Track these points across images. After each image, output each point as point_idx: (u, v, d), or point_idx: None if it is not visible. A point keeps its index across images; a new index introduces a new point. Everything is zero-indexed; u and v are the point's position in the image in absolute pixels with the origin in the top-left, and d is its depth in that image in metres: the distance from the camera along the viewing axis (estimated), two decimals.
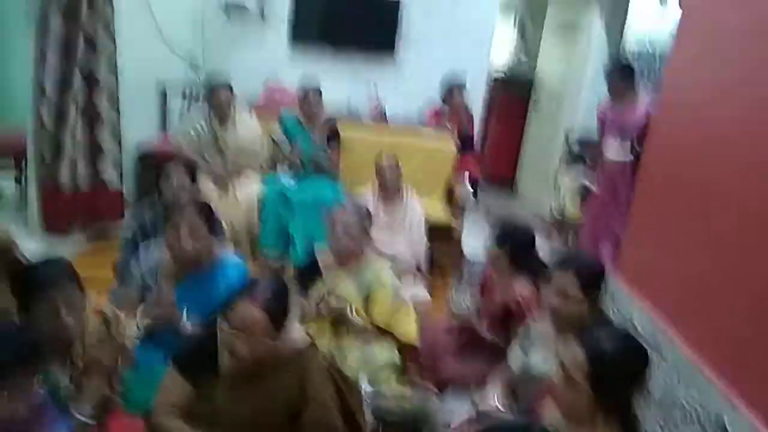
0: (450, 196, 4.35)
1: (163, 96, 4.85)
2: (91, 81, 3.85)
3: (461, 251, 4.20)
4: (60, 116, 3.75)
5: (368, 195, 3.77)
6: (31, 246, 3.45)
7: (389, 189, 3.75)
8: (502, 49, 6.99)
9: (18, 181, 4.52)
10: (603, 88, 4.09)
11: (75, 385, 1.81)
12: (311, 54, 5.13)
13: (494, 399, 2.10)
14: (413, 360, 2.68)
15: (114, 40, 3.91)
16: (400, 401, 2.34)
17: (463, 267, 4.20)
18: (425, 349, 2.75)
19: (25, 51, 3.70)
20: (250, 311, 1.68)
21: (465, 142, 4.55)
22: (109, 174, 4.06)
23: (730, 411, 2.77)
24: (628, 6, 4.92)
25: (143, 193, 4.30)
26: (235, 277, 2.30)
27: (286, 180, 3.97)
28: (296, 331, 1.89)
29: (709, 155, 3.13)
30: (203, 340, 1.85)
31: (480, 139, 5.33)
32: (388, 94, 5.04)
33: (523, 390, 2.15)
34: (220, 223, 2.90)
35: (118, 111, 4.04)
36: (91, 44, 3.79)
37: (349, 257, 2.64)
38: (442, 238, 4.06)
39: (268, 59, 5.12)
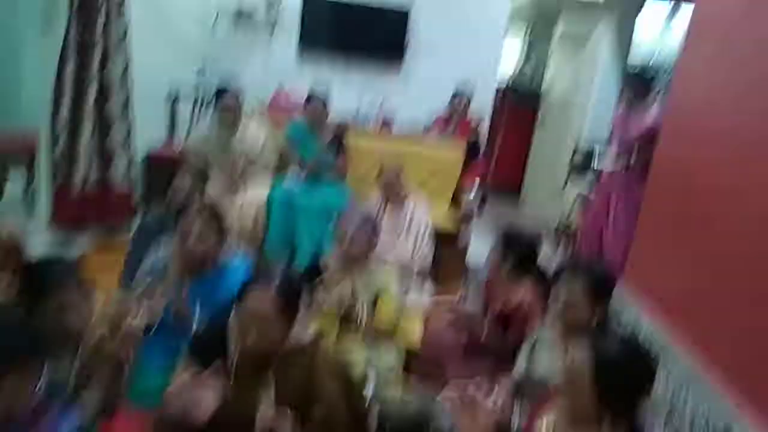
0: (456, 204, 4.36)
1: (173, 101, 4.90)
2: (105, 87, 3.94)
3: (466, 259, 4.19)
4: (73, 120, 3.85)
5: (373, 201, 3.78)
6: (40, 245, 3.48)
7: (392, 195, 3.76)
8: (510, 59, 7.02)
9: (29, 181, 4.55)
10: (611, 100, 4.11)
11: (80, 383, 1.81)
12: (320, 62, 5.18)
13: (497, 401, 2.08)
14: (416, 365, 2.67)
15: (128, 47, 4.01)
16: (403, 405, 2.33)
17: (468, 275, 4.19)
18: (429, 353, 2.75)
19: (35, 54, 3.76)
20: (262, 301, 1.69)
21: (472, 151, 4.56)
22: (120, 177, 4.11)
23: (737, 422, 2.75)
24: (635, 19, 4.94)
25: (152, 197, 4.32)
26: (241, 279, 2.31)
27: (293, 185, 3.98)
28: (304, 327, 1.90)
29: (719, 163, 3.12)
30: (214, 332, 1.87)
31: (487, 149, 5.34)
32: (396, 102, 5.07)
33: (526, 394, 2.14)
34: (228, 229, 2.91)
35: (129, 117, 4.12)
36: (107, 52, 3.89)
37: (355, 266, 2.64)
38: (447, 245, 4.06)
39: (277, 67, 5.16)
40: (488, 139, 5.42)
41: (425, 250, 3.78)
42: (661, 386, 2.74)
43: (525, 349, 2.28)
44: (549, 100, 6.32)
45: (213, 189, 3.70)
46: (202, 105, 4.91)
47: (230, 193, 3.90)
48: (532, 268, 2.56)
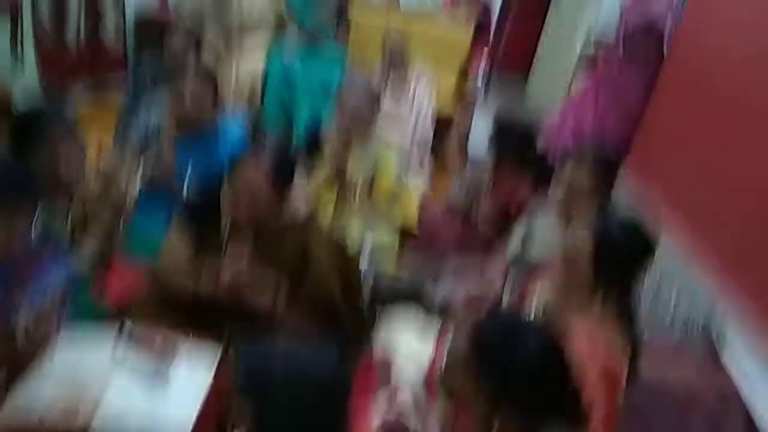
0: (459, 87, 4.22)
1: None
2: None
3: (465, 145, 4.13)
4: None
5: (376, 77, 3.65)
6: (29, 102, 3.37)
7: (395, 72, 3.61)
8: None
9: (13, 35, 4.33)
10: None
11: (74, 236, 1.80)
12: None
13: (490, 282, 2.11)
14: (411, 244, 2.69)
15: None
16: (396, 281, 2.37)
17: (466, 161, 4.15)
18: (423, 236, 2.76)
19: None
20: (254, 174, 1.64)
21: (480, 33, 4.35)
22: (110, 35, 3.98)
23: (719, 311, 2.85)
24: None
25: (144, 57, 4.15)
26: (236, 139, 2.26)
27: (291, 57, 3.80)
28: (299, 200, 1.87)
29: (736, 56, 3.02)
30: (205, 201, 1.84)
31: (497, 31, 5.10)
32: None
33: (518, 274, 2.17)
34: (223, 97, 2.81)
35: None
36: None
37: (356, 140, 2.57)
38: (447, 130, 3.98)
39: None
40: (498, 21, 5.17)
41: (426, 131, 3.71)
42: (651, 270, 2.80)
43: (519, 231, 2.29)
44: None
45: (207, 53, 3.54)
46: None
47: (225, 58, 3.74)
48: (530, 162, 2.51)
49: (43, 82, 3.82)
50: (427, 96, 3.72)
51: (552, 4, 6.24)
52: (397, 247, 2.56)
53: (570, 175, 1.99)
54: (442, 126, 3.87)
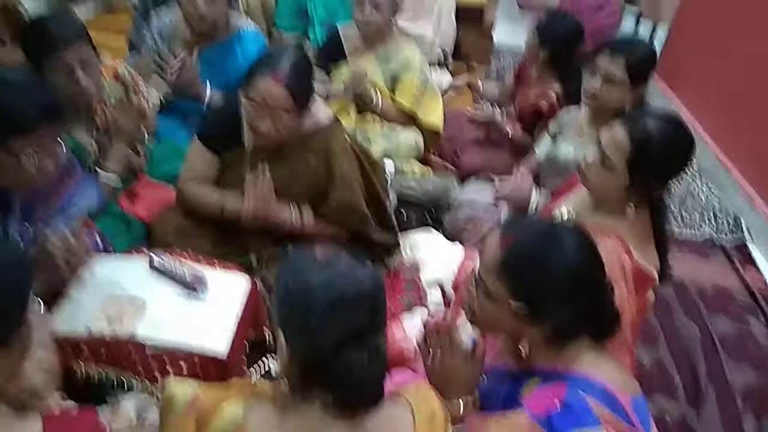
0: None
1: None
2: None
3: (491, 38, 3.93)
4: None
5: None
6: (37, 10, 3.26)
7: None
8: None
9: None
10: None
11: (99, 150, 1.79)
12: None
13: (518, 182, 2.08)
14: (436, 145, 2.64)
15: None
16: (421, 182, 2.35)
17: (492, 56, 3.98)
18: (449, 136, 2.70)
19: None
20: (272, 86, 1.57)
21: None
22: None
23: (748, 210, 2.82)
24: None
25: None
26: (253, 49, 2.18)
27: None
28: (320, 110, 1.81)
29: None
30: (227, 112, 1.78)
31: None
32: None
33: (548, 175, 2.13)
34: None
35: None
36: None
37: (377, 36, 2.45)
38: (471, 22, 3.78)
39: None
40: None
41: (448, 28, 3.53)
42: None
43: (548, 132, 2.22)
44: None
45: None
46: None
47: None
48: (570, 63, 2.38)
49: None
50: None
51: None
52: (421, 146, 2.51)
53: (605, 67, 1.88)
54: (465, 17, 3.67)
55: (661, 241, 1.49)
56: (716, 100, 3.23)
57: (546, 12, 2.62)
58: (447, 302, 1.88)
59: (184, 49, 2.15)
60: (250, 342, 1.55)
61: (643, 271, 1.42)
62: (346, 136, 1.83)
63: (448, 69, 3.53)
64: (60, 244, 1.33)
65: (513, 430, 1.05)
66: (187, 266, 1.52)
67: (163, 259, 1.52)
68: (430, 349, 1.18)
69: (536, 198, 2.03)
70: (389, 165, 2.32)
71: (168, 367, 1.37)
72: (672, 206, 2.87)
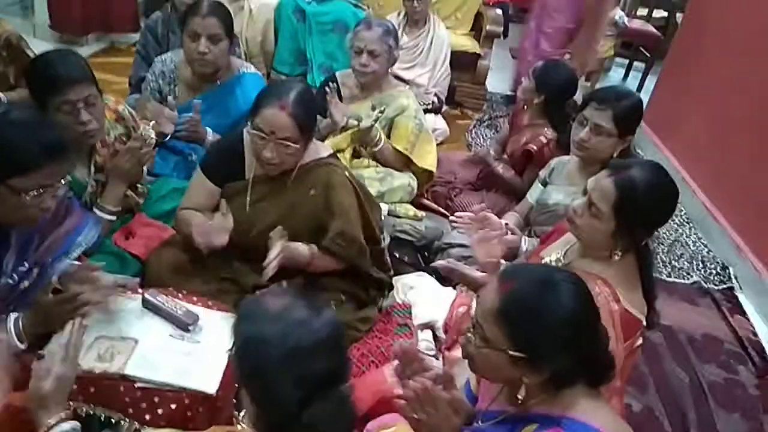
0: (478, 25, 4.09)
1: None
2: None
3: (484, 85, 4.04)
4: None
5: (393, 20, 3.54)
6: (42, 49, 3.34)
7: (416, 17, 3.54)
8: None
9: None
10: None
11: (97, 188, 1.82)
12: None
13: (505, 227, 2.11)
14: (429, 187, 2.69)
15: None
16: (414, 225, 2.38)
17: (484, 101, 4.08)
18: (442, 180, 2.76)
19: None
20: (279, 116, 1.63)
21: None
22: None
23: (736, 258, 2.86)
24: None
25: (155, 1, 4.05)
26: (253, 91, 2.21)
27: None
28: (320, 144, 1.86)
29: (751, 18, 2.98)
30: (229, 145, 1.84)
31: None
32: None
33: (538, 220, 2.17)
34: (236, 37, 2.76)
35: None
36: None
37: (374, 84, 2.52)
38: (465, 69, 3.89)
39: None
40: None
41: (443, 75, 3.63)
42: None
43: (538, 179, 2.27)
44: None
45: None
46: None
47: (236, 1, 3.65)
48: (562, 110, 2.46)
49: (54, 29, 3.78)
50: (445, 36, 3.62)
51: None
52: (415, 187, 2.55)
53: (593, 118, 1.95)
54: (459, 64, 3.78)
55: (649, 288, 1.51)
56: (704, 149, 3.31)
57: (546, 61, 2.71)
58: (438, 345, 1.88)
59: (185, 90, 2.21)
60: None
61: (631, 317, 1.44)
62: (346, 171, 1.87)
63: (442, 115, 3.62)
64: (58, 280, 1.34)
65: None
66: (179, 304, 1.53)
67: (156, 297, 1.53)
68: (413, 411, 1.15)
69: (525, 245, 2.06)
70: (383, 208, 2.36)
71: (157, 405, 1.37)
72: (661, 253, 2.91)
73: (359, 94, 2.54)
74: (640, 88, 4.77)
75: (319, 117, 2.52)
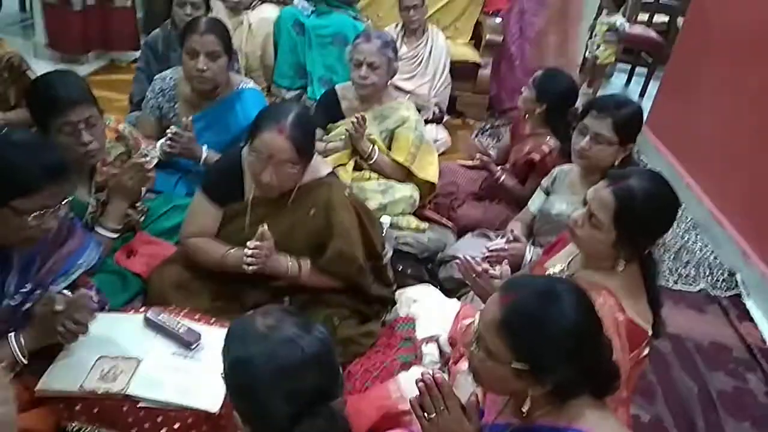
0: (478, 34, 4.10)
1: None
2: None
3: (485, 94, 4.04)
4: None
5: (391, 32, 3.56)
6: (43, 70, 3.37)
7: (414, 26, 3.55)
8: None
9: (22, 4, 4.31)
10: None
11: (98, 207, 1.82)
12: None
13: (511, 234, 2.11)
14: (432, 198, 2.68)
15: None
16: (417, 236, 2.37)
17: (486, 110, 4.08)
18: (444, 191, 2.75)
19: None
20: (277, 139, 1.62)
21: None
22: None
23: (742, 265, 2.84)
24: None
25: (154, 19, 4.09)
26: (253, 106, 2.23)
27: (304, 11, 3.72)
28: (320, 163, 1.86)
29: (752, 21, 2.97)
30: (229, 165, 1.84)
31: None
32: None
33: (541, 230, 2.16)
34: (236, 52, 2.78)
35: None
36: None
37: (374, 96, 2.52)
38: (466, 78, 3.89)
39: None
40: None
41: (443, 85, 3.64)
42: (675, 225, 2.80)
43: (541, 188, 2.26)
44: None
45: (218, 11, 3.48)
46: None
47: (236, 16, 3.68)
48: (563, 119, 2.45)
49: (52, 47, 3.80)
50: (444, 46, 3.64)
51: None
52: (417, 199, 2.54)
53: (593, 127, 1.94)
54: (460, 74, 3.78)
55: (654, 297, 1.50)
56: (708, 154, 3.29)
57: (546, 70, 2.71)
58: (443, 358, 1.87)
59: (185, 107, 2.22)
60: None
61: (637, 326, 1.43)
62: (346, 190, 1.87)
63: (443, 125, 3.62)
64: (62, 310, 1.34)
65: None
66: (182, 323, 1.52)
67: (158, 316, 1.52)
68: (425, 410, 1.16)
69: (530, 254, 2.05)
70: (385, 220, 2.35)
71: (161, 425, 1.36)
72: (668, 261, 2.89)
73: (359, 107, 2.54)
74: (642, 93, 4.78)
75: (326, 137, 2.55)
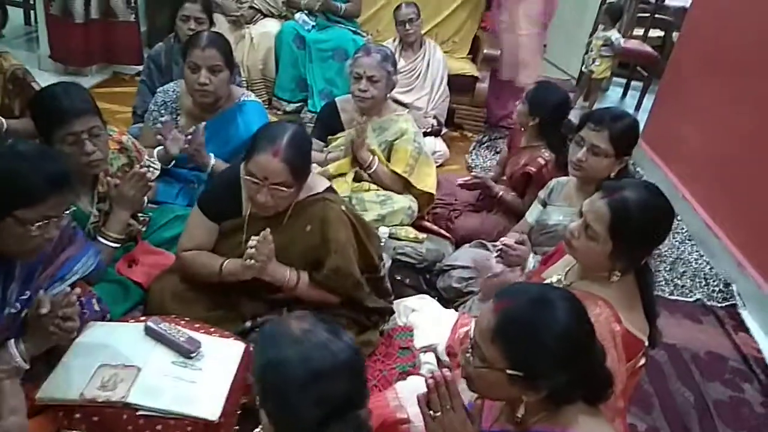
0: (476, 48, 4.15)
1: None
2: None
3: (483, 107, 4.08)
4: None
5: (389, 46, 3.60)
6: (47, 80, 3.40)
7: (410, 40, 3.61)
8: None
9: (27, 17, 4.34)
10: None
11: (100, 217, 1.84)
12: None
13: (519, 236, 2.13)
14: (430, 209, 2.70)
15: None
16: (415, 247, 2.39)
17: (484, 123, 4.11)
18: (442, 202, 2.77)
19: None
20: (272, 163, 1.62)
21: None
22: (122, 10, 3.89)
23: (738, 275, 2.86)
24: None
25: (157, 31, 4.13)
26: (254, 119, 2.26)
27: (305, 26, 3.76)
28: (317, 178, 1.87)
29: (746, 36, 3.02)
30: (227, 182, 1.84)
31: None
32: None
33: (538, 241, 2.18)
34: (237, 66, 2.81)
35: None
36: None
37: (373, 109, 2.55)
38: (464, 92, 3.93)
39: None
40: None
41: (441, 97, 3.68)
42: (671, 236, 2.83)
43: (538, 200, 2.28)
44: None
45: (221, 26, 3.52)
46: None
47: (238, 31, 3.72)
48: (557, 132, 2.48)
49: (58, 66, 3.84)
50: (442, 59, 3.68)
51: None
52: (415, 210, 2.56)
53: (589, 139, 1.97)
54: (457, 87, 3.82)
55: (650, 307, 1.52)
56: (703, 166, 3.32)
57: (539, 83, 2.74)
58: (441, 367, 1.88)
59: (187, 120, 2.24)
60: (243, 408, 1.55)
61: (633, 337, 1.44)
62: (342, 205, 1.88)
63: (442, 138, 3.65)
64: (50, 310, 1.35)
65: None
66: (182, 331, 1.53)
67: (159, 325, 1.54)
68: (432, 409, 1.17)
69: (532, 261, 2.07)
70: (384, 231, 2.37)
71: None
72: (663, 271, 2.91)
73: (359, 119, 2.57)
74: (638, 106, 4.82)
75: (325, 149, 2.58)
